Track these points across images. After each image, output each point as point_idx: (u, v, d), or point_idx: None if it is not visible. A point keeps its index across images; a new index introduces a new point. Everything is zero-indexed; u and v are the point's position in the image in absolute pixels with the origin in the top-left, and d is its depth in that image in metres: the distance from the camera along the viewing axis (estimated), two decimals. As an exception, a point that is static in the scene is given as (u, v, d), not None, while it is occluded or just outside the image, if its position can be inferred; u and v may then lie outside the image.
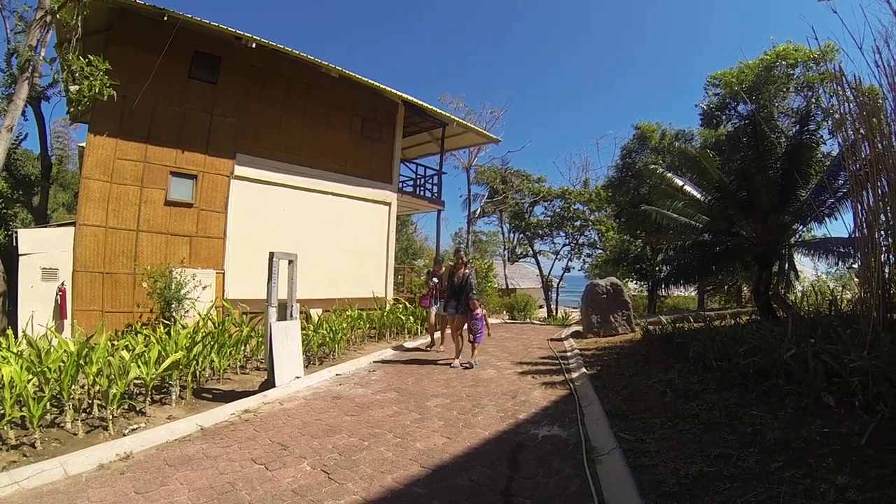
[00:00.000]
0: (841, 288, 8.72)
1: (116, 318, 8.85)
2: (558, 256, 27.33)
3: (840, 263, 6.12)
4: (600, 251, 24.68)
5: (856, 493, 2.35)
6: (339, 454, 3.70)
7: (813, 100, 13.46)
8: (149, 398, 4.87)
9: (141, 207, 9.42)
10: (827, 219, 6.29)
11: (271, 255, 6.10)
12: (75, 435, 4.12)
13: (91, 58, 6.47)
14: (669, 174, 7.66)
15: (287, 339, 6.00)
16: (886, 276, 4.33)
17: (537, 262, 28.71)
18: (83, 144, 11.82)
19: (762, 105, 13.75)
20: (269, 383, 5.73)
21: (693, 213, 7.17)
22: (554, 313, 25.10)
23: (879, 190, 4.33)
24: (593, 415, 4.40)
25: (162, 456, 3.70)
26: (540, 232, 26.85)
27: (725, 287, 14.29)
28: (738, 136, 12.85)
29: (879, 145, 4.55)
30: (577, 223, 24.97)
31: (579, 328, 11.13)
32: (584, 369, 6.39)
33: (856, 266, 8.25)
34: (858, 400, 3.33)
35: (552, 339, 10.06)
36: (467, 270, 7.70)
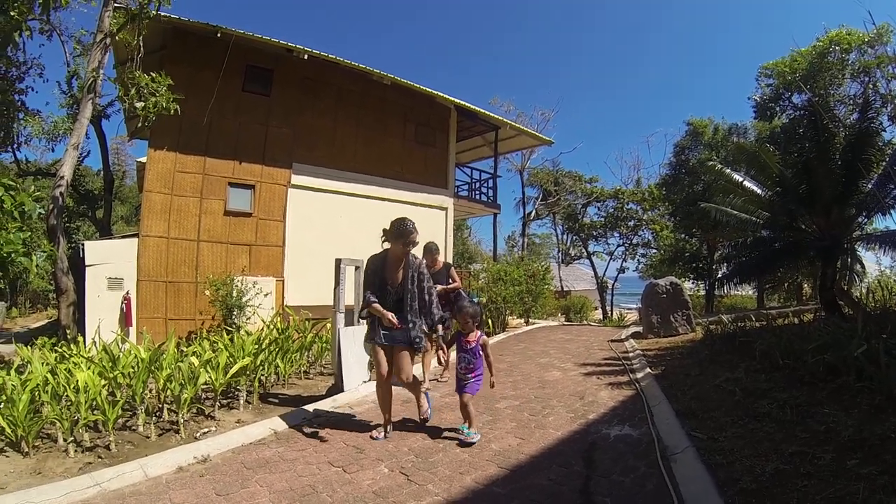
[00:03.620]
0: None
1: (179, 326, 9.10)
2: (612, 257, 26.82)
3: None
4: (654, 251, 24.01)
5: (934, 490, 2.34)
6: (416, 456, 3.73)
7: (870, 85, 12.69)
8: (217, 403, 4.94)
9: (201, 218, 9.75)
10: (891, 211, 6.01)
11: (338, 261, 6.12)
12: (148, 438, 4.20)
13: (154, 75, 6.89)
14: (727, 170, 7.45)
15: (354, 345, 5.92)
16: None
17: (591, 264, 28.26)
18: (141, 159, 12.58)
19: (817, 94, 13.05)
20: (336, 388, 5.79)
21: (753, 210, 6.96)
22: (609, 315, 24.64)
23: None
24: (662, 414, 4.40)
25: (239, 459, 3.71)
26: (594, 233, 26.47)
27: (785, 285, 13.62)
28: (794, 127, 12.29)
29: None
30: (631, 223, 24.43)
31: (638, 329, 10.95)
32: (648, 369, 6.34)
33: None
34: (937, 397, 3.24)
35: (612, 341, 9.91)
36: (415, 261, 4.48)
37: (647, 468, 3.33)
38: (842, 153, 5.91)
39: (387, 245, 4.11)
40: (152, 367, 4.76)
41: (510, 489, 3.12)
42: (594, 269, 28.18)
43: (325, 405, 5.20)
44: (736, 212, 7.22)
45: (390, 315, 3.96)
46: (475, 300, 4.62)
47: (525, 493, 3.05)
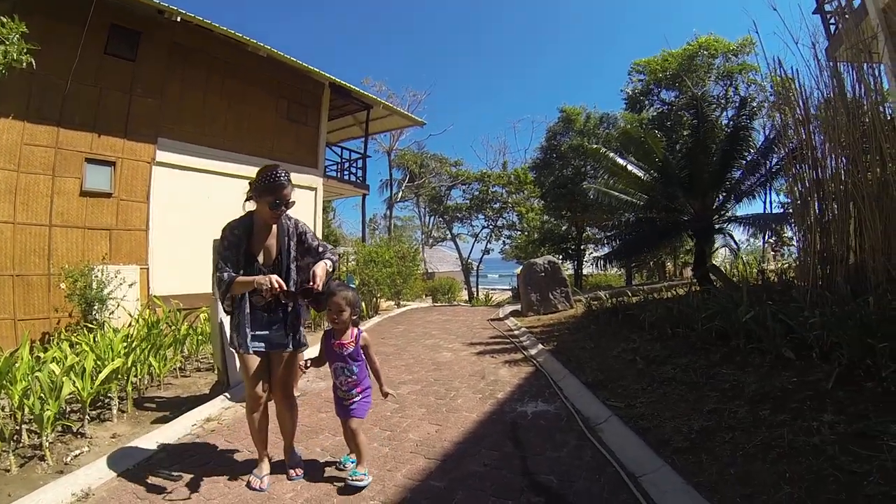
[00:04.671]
0: (757, 260, 9.79)
1: (32, 327, 8.06)
2: (477, 239, 28.06)
3: (766, 236, 6.95)
4: (519, 233, 25.64)
5: (844, 426, 2.79)
6: (332, 456, 3.50)
7: (731, 88, 14.97)
8: (87, 416, 4.23)
9: (53, 199, 8.67)
10: (747, 198, 7.16)
11: (216, 241, 5.69)
12: (7, 471, 3.45)
13: (4, 19, 5.64)
14: (611, 153, 8.18)
15: None
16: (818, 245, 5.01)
17: (456, 246, 29.33)
18: None
19: (684, 91, 15.07)
20: (222, 384, 5.34)
21: (634, 192, 7.74)
22: (476, 295, 25.82)
23: (817, 165, 4.98)
24: (572, 388, 4.68)
25: (130, 488, 3.14)
26: (458, 215, 27.39)
27: (651, 263, 15.53)
28: (661, 119, 14.04)
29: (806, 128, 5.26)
30: (497, 205, 25.73)
31: (516, 307, 11.61)
32: (540, 346, 6.72)
33: (772, 240, 9.46)
34: (815, 352, 3.86)
35: (492, 319, 10.36)
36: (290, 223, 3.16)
37: (578, 440, 3.48)
38: (720, 144, 6.85)
39: (251, 206, 3.05)
40: (3, 381, 3.97)
41: (448, 481, 3.03)
42: (459, 251, 29.28)
43: (214, 407, 4.68)
44: (617, 193, 7.95)
45: (274, 278, 2.75)
46: (351, 284, 3.09)
47: (466, 483, 2.97)
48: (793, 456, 2.64)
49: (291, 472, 3.16)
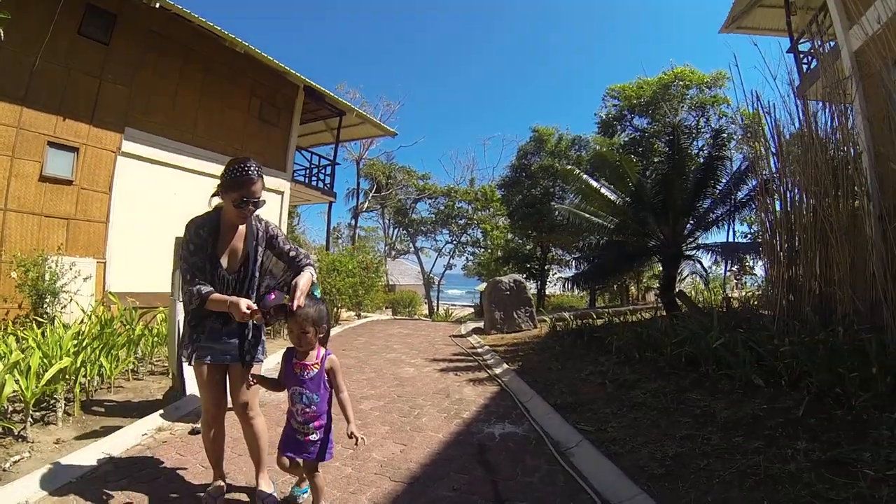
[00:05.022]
0: (721, 288, 10.09)
1: None
2: (440, 254, 28.09)
3: (730, 264, 7.15)
4: (483, 250, 25.80)
5: (819, 454, 2.83)
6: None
7: (702, 119, 15.57)
8: (29, 417, 3.98)
9: (10, 182, 8.27)
10: (716, 227, 7.41)
11: (178, 239, 5.45)
12: None
13: None
14: (584, 175, 8.30)
15: None
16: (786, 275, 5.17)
17: (419, 259, 29.29)
18: None
19: (657, 119, 15.57)
20: (175, 391, 5.07)
21: (605, 215, 7.87)
22: (436, 310, 25.76)
23: (787, 198, 5.16)
24: (539, 409, 4.62)
25: None
26: (423, 229, 27.39)
27: (615, 287, 15.82)
28: (633, 145, 14.44)
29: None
30: (462, 221, 25.85)
31: (478, 325, 11.59)
32: (505, 365, 6.67)
33: (735, 269, 9.78)
34: (784, 380, 3.95)
35: (453, 336, 10.32)
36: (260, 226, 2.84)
37: (548, 465, 3.40)
38: (693, 172, 7.05)
39: (218, 202, 2.76)
40: None
41: None
42: (421, 265, 29.23)
43: (168, 417, 4.40)
44: (588, 215, 8.06)
45: (245, 304, 2.45)
46: (315, 294, 2.79)
47: None
48: (770, 483, 2.65)
49: (260, 502, 2.82)
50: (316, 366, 2.57)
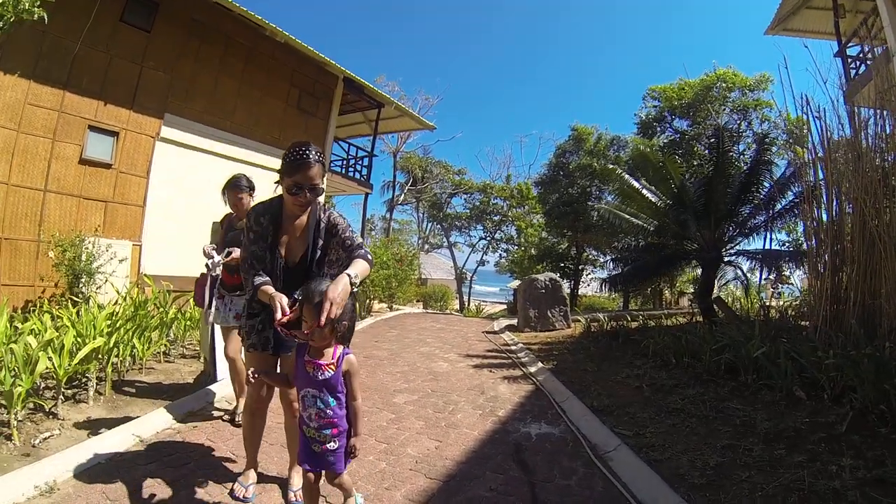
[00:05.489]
0: (758, 296, 9.84)
1: (15, 293, 7.79)
2: (473, 249, 28.06)
3: (767, 272, 6.99)
4: (517, 247, 25.68)
5: (864, 472, 2.77)
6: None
7: (742, 123, 15.15)
8: (61, 395, 4.00)
9: (51, 164, 8.37)
10: (756, 234, 7.26)
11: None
12: None
13: None
14: (626, 175, 8.19)
15: None
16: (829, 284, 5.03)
17: (452, 254, 29.32)
18: None
19: (697, 122, 15.21)
20: (207, 376, 5.12)
21: (645, 217, 7.75)
22: (467, 305, 25.79)
23: (834, 206, 5.01)
24: (576, 411, 4.60)
25: (99, 486, 2.86)
26: (457, 224, 27.42)
27: (648, 290, 15.58)
28: (672, 148, 14.16)
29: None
30: (497, 218, 25.78)
31: (511, 322, 11.58)
32: (540, 364, 6.64)
33: (772, 277, 9.53)
34: (827, 394, 3.86)
35: (487, 332, 10.32)
36: (323, 216, 2.71)
37: (586, 468, 3.37)
38: (737, 176, 6.90)
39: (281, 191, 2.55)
40: None
41: None
42: (454, 260, 29.28)
43: (197, 400, 4.48)
44: (628, 216, 7.95)
45: (280, 302, 2.23)
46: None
47: None
48: (814, 500, 2.61)
49: (292, 494, 2.82)
50: (331, 367, 2.22)
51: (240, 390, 4.13)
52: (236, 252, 3.82)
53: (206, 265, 4.04)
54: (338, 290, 2.09)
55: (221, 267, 4.01)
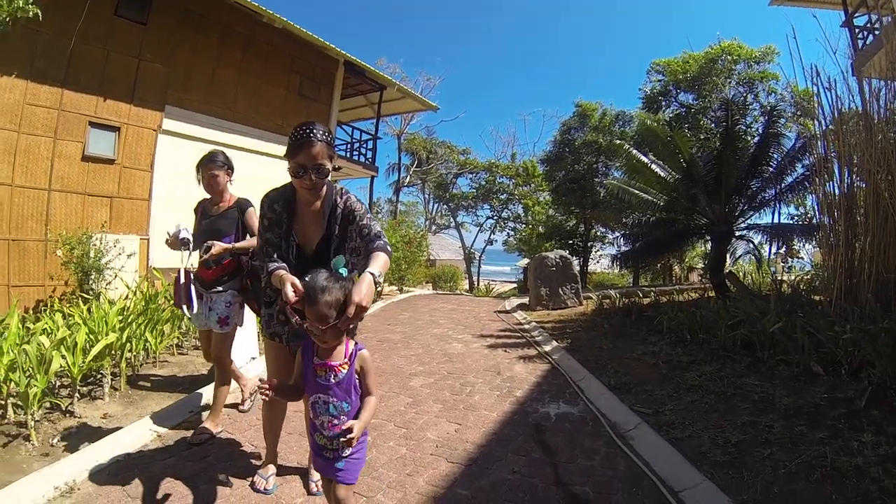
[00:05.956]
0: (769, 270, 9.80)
1: (25, 294, 7.85)
2: (481, 229, 28.01)
3: (778, 246, 6.93)
4: (524, 225, 25.60)
5: (886, 448, 2.77)
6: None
7: (748, 95, 14.90)
8: (77, 393, 3.97)
9: (54, 163, 8.37)
10: (767, 207, 7.17)
11: None
12: None
13: None
14: (634, 151, 8.09)
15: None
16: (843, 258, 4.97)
17: (459, 234, 29.31)
18: None
19: (703, 95, 14.96)
20: None
21: (655, 192, 7.68)
22: (476, 285, 25.82)
23: (846, 179, 4.93)
24: (593, 389, 4.61)
25: (119, 483, 2.83)
26: (464, 204, 27.34)
27: (658, 266, 15.53)
28: (678, 122, 13.96)
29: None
30: (503, 197, 25.67)
31: (522, 300, 11.58)
32: (554, 342, 6.64)
33: (782, 251, 9.46)
34: (844, 368, 3.84)
35: (499, 312, 10.33)
36: (339, 200, 2.48)
37: (607, 447, 3.38)
38: (748, 149, 6.79)
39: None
40: None
41: (476, 490, 2.82)
42: (462, 240, 29.27)
43: (212, 390, 4.31)
44: (637, 192, 7.87)
45: (290, 284, 1.95)
46: (341, 271, 1.98)
47: (497, 493, 2.77)
48: (837, 477, 2.61)
49: (313, 485, 2.75)
50: (344, 366, 1.95)
51: (225, 381, 3.73)
52: (218, 246, 3.38)
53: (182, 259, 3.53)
54: (363, 292, 1.83)
55: (195, 256, 3.54)
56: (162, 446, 3.36)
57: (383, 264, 2.10)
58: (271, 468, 2.87)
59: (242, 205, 3.72)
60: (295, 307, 1.92)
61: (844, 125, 5.22)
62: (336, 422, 1.93)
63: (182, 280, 3.57)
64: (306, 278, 1.91)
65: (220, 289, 3.53)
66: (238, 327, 3.71)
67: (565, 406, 4.28)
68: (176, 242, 3.50)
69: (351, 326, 1.93)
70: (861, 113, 5.17)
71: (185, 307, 3.58)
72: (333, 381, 1.93)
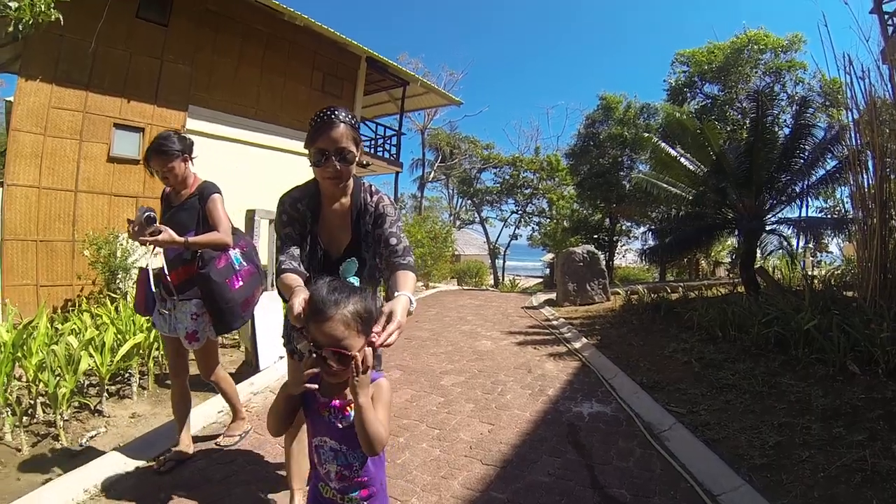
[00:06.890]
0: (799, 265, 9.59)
1: (53, 293, 8.11)
2: (505, 224, 27.89)
3: (807, 241, 6.75)
4: (549, 220, 25.40)
5: (926, 452, 2.69)
6: None
7: (775, 85, 14.50)
8: (105, 392, 3.94)
9: (80, 164, 8.62)
10: (798, 201, 6.99)
11: (251, 213, 5.38)
12: (19, 451, 3.14)
13: None
14: (663, 144, 7.96)
15: (270, 312, 5.16)
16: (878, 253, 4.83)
17: (484, 229, 29.24)
18: (9, 98, 10.62)
19: (729, 86, 14.61)
20: (250, 366, 5.08)
21: (684, 186, 7.55)
22: (501, 280, 25.75)
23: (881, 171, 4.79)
24: (626, 388, 4.57)
25: (148, 488, 2.76)
26: (488, 199, 27.26)
27: (685, 261, 15.27)
28: (704, 114, 13.67)
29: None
30: (528, 191, 25.51)
31: (549, 296, 11.53)
32: (584, 339, 6.60)
33: (811, 246, 9.23)
34: (882, 368, 3.75)
35: (526, 307, 10.29)
36: (370, 199, 2.14)
37: (642, 448, 3.33)
38: (779, 141, 6.62)
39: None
40: (19, 353, 3.70)
41: (512, 492, 2.76)
42: (486, 235, 29.19)
43: (241, 391, 4.28)
44: (666, 185, 7.75)
45: (298, 302, 1.46)
46: (351, 279, 1.64)
47: (534, 496, 2.73)
48: (877, 481, 2.56)
49: None
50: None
51: (235, 412, 3.46)
52: (167, 234, 2.70)
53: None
54: (398, 313, 1.48)
55: (154, 249, 2.84)
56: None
57: (413, 287, 1.81)
58: (297, 501, 2.41)
59: (204, 190, 3.05)
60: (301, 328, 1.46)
61: (880, 116, 5.06)
62: (346, 473, 1.48)
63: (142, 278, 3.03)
64: (314, 291, 1.45)
65: (184, 297, 2.96)
66: (215, 339, 3.18)
67: (598, 405, 4.24)
68: (143, 226, 2.65)
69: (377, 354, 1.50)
70: (893, 102, 5.02)
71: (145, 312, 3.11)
72: (342, 426, 1.46)
